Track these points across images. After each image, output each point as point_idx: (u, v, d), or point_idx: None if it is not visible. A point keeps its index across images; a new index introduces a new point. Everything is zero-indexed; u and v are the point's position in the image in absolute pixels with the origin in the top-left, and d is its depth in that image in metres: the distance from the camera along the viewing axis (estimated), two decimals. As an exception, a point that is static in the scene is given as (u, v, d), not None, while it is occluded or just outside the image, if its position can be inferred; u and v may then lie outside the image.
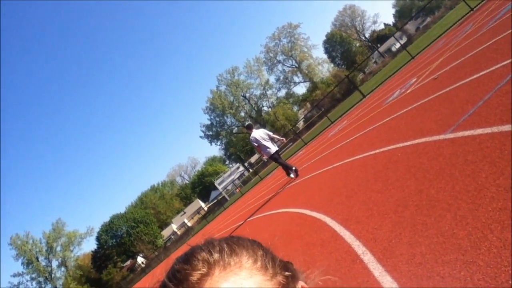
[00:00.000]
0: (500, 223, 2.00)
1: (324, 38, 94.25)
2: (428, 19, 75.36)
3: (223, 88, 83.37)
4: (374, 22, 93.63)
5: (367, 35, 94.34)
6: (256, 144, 10.98)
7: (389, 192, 3.71)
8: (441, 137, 4.06)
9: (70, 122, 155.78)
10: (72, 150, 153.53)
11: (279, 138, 11.75)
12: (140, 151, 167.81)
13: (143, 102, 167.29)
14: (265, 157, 11.55)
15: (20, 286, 75.15)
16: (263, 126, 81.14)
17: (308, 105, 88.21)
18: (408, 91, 9.96)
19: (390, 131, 6.89)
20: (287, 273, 0.62)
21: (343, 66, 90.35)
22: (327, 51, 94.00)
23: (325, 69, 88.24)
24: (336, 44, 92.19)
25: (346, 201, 4.70)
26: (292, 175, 11.02)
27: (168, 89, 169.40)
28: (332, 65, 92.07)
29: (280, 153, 11.76)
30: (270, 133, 11.28)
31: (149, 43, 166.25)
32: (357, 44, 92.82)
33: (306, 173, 10.80)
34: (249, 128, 11.57)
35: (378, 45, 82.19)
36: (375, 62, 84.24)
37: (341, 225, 3.97)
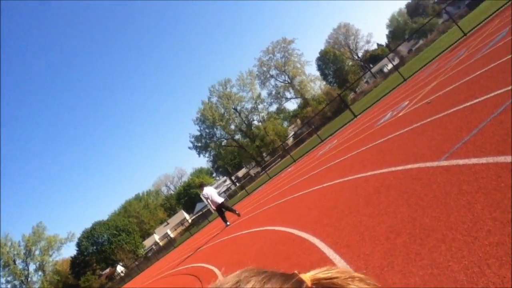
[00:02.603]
0: (498, 258, 1.96)
1: (318, 55, 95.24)
2: (421, 42, 76.69)
3: (214, 99, 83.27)
4: (368, 42, 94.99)
5: (360, 54, 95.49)
6: (206, 197, 14.40)
7: (381, 217, 3.66)
8: (435, 164, 4.04)
9: (58, 122, 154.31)
10: (59, 152, 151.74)
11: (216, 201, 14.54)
12: (127, 158, 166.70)
13: (134, 108, 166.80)
14: (213, 207, 14.48)
15: (-5, 289, 73.46)
16: (253, 140, 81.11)
17: (299, 121, 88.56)
18: (400, 114, 10.01)
19: (382, 153, 6.88)
20: None
21: (335, 84, 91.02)
22: (320, 68, 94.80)
23: (317, 86, 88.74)
24: (329, 62, 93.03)
25: (336, 223, 4.65)
26: (228, 223, 14.39)
27: (160, 96, 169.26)
28: (324, 82, 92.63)
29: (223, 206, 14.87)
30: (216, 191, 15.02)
31: (142, 49, 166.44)
32: (350, 63, 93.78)
33: (295, 191, 10.75)
34: (202, 186, 15.31)
35: (371, 65, 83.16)
36: (367, 82, 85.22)
37: (330, 248, 3.90)
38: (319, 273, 0.57)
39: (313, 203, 7.10)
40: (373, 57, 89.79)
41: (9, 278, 73.66)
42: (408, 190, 3.81)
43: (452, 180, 3.28)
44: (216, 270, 7.80)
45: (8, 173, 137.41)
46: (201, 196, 14.92)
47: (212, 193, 14.45)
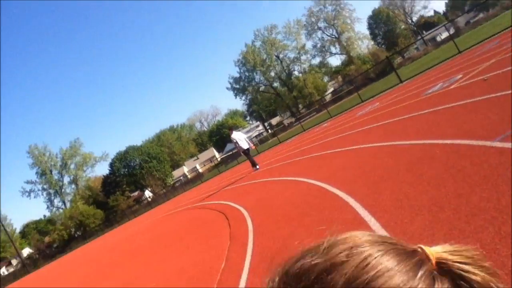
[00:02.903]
0: (549, 249, 1.93)
1: (370, 13, 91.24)
2: (481, 15, 72.03)
3: (258, 44, 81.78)
4: (425, 7, 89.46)
5: (414, 19, 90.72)
6: (234, 141, 15.29)
7: (423, 187, 3.64)
8: (488, 143, 3.92)
9: (106, 46, 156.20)
10: (106, 75, 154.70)
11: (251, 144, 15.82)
12: (166, 89, 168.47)
13: (180, 41, 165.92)
14: (241, 151, 15.48)
15: (31, 193, 78.45)
16: (291, 90, 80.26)
17: (340, 78, 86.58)
18: (452, 87, 9.63)
19: (428, 124, 6.71)
20: None
21: (383, 46, 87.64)
22: (370, 27, 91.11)
23: (364, 45, 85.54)
24: (380, 22, 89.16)
25: (373, 186, 4.65)
26: (253, 168, 15.42)
27: (205, 33, 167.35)
28: (372, 42, 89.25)
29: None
30: (245, 136, 15.81)
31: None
32: (402, 27, 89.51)
33: (330, 147, 10.71)
34: (231, 129, 16.40)
35: (424, 32, 79.20)
36: (417, 48, 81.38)
37: (365, 209, 3.93)
38: (447, 252, 0.49)
39: (349, 163, 7.08)
40: (427, 24, 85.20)
41: (45, 186, 78.44)
42: (456, 166, 3.73)
43: (506, 164, 3.19)
44: (243, 210, 8.03)
45: (57, 88, 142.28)
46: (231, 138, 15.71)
47: (240, 138, 15.21)
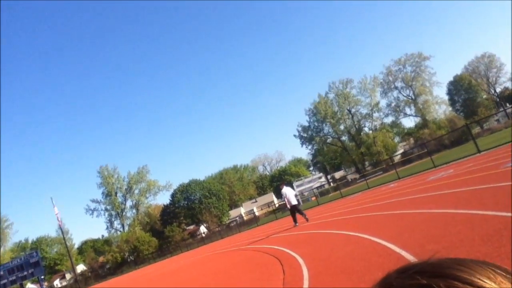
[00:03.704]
0: None
1: (451, 79, 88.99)
2: None
3: (331, 96, 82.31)
4: (511, 79, 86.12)
5: (498, 89, 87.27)
6: (284, 196, 16.12)
7: (500, 261, 3.40)
8: None
9: (184, 83, 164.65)
10: (177, 111, 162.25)
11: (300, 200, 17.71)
12: (234, 128, 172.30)
13: (252, 83, 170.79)
14: (288, 206, 16.28)
15: (95, 212, 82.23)
16: (358, 146, 79.19)
17: (412, 140, 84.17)
18: (537, 162, 9.04)
19: (508, 197, 6.30)
20: None
21: (461, 114, 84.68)
22: (449, 92, 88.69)
23: (441, 110, 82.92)
24: (461, 89, 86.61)
25: (444, 252, 4.41)
26: (305, 218, 15.82)
27: (277, 77, 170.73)
28: (450, 108, 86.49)
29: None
30: (294, 193, 16.64)
31: (267, 24, 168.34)
32: (484, 96, 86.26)
33: (397, 208, 10.35)
34: (282, 183, 17.52)
35: (507, 104, 75.63)
36: (498, 120, 77.69)
37: (434, 275, 3.72)
38: None
39: (417, 226, 6.78)
40: (511, 96, 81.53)
41: (108, 207, 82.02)
42: (540, 243, 3.47)
43: None
44: (299, 257, 7.87)
45: (135, 118, 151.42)
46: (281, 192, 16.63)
47: (289, 194, 16.02)
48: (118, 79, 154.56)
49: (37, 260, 38.77)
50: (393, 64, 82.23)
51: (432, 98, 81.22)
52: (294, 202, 15.95)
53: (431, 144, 57.81)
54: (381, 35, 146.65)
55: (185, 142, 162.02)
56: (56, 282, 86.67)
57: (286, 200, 15.97)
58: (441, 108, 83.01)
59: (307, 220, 15.53)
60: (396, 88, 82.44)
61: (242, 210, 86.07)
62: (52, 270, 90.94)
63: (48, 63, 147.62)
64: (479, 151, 21.05)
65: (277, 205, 60.37)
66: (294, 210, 16.21)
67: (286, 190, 16.11)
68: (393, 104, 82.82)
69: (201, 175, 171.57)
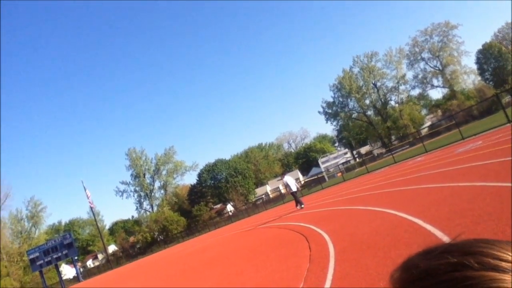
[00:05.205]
0: None
1: (480, 47, 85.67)
2: None
3: (356, 70, 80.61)
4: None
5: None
6: (285, 184, 18.14)
7: (531, 234, 3.30)
8: None
9: (208, 65, 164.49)
10: (201, 92, 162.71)
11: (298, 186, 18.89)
12: (258, 106, 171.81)
13: (276, 61, 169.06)
14: (289, 191, 18.29)
15: (124, 193, 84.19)
16: (385, 120, 77.97)
17: (439, 112, 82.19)
18: None
19: (540, 168, 6.10)
20: None
21: (491, 83, 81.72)
22: (478, 61, 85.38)
23: (470, 80, 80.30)
24: (491, 57, 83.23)
25: (471, 226, 4.32)
26: (298, 207, 17.84)
27: (301, 54, 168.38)
28: (479, 78, 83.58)
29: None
30: (294, 181, 18.01)
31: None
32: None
33: (424, 182, 10.18)
34: (284, 173, 20.71)
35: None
36: (529, 87, 74.87)
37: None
38: None
39: (444, 199, 6.66)
40: (545, 63, 78.03)
41: (137, 188, 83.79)
42: None
43: None
44: (325, 234, 7.88)
45: (162, 100, 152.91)
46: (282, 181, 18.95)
47: (290, 182, 17.67)
48: (145, 62, 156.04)
49: (70, 241, 40.15)
50: (420, 35, 79.82)
51: (461, 68, 78.73)
52: (294, 189, 17.64)
53: (459, 115, 56.41)
54: (407, 5, 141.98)
55: (211, 122, 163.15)
56: (89, 263, 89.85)
57: (287, 188, 17.97)
58: (469, 78, 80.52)
59: (302, 207, 17.22)
60: (423, 59, 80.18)
61: (268, 188, 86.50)
62: (85, 251, 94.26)
63: (78, 42, 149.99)
64: (509, 121, 20.45)
65: (302, 182, 60.31)
66: (296, 195, 18.12)
67: (286, 179, 17.92)
68: (419, 76, 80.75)
69: (226, 155, 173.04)
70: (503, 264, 0.49)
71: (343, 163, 70.72)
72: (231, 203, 75.29)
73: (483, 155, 10.75)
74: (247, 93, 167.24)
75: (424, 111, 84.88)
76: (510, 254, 0.50)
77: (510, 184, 5.72)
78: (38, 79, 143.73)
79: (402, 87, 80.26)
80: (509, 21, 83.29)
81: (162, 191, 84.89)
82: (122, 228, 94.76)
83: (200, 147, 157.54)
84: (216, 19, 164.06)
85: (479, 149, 13.02)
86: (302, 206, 17.58)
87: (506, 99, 68.96)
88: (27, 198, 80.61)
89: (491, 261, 0.49)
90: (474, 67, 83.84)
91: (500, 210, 4.50)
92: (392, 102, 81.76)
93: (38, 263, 39.26)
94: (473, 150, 13.47)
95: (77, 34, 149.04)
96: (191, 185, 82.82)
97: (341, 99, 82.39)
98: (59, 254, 39.43)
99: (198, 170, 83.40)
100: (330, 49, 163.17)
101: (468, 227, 4.34)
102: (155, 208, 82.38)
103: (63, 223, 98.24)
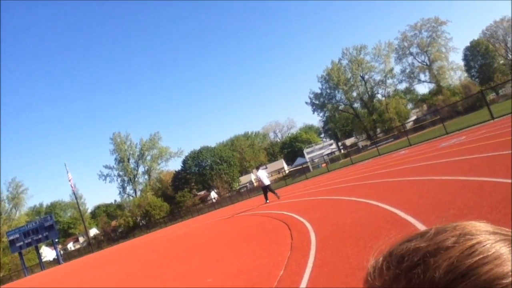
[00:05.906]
0: None
1: (468, 44, 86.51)
2: None
3: (344, 62, 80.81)
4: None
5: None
6: (258, 178, 18.60)
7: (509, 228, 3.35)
8: None
9: (195, 51, 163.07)
10: (188, 78, 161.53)
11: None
12: (245, 95, 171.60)
13: (263, 50, 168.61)
14: (261, 185, 18.44)
15: (107, 177, 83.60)
16: (371, 113, 78.48)
17: (425, 107, 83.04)
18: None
19: (521, 164, 6.20)
20: None
21: (477, 80, 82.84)
22: (465, 58, 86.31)
23: (456, 76, 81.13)
24: (478, 54, 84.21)
25: (452, 218, 4.28)
26: (266, 202, 17.95)
27: (289, 44, 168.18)
28: (465, 74, 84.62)
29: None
30: (266, 175, 18.72)
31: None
32: (501, 62, 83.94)
33: (406, 174, 10.29)
34: (258, 167, 24.03)
35: (524, 69, 73.75)
36: (513, 86, 76.00)
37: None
38: None
39: (426, 192, 6.75)
40: (528, 62, 79.15)
41: (121, 173, 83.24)
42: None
43: None
44: (307, 223, 7.92)
45: (148, 86, 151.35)
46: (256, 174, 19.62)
47: (263, 176, 18.06)
48: (132, 46, 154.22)
49: (51, 223, 39.87)
50: (409, 30, 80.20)
51: (448, 64, 79.46)
52: (267, 182, 18.00)
53: (445, 110, 57.10)
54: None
55: (197, 109, 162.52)
56: (70, 245, 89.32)
57: (260, 182, 18.22)
58: (456, 74, 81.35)
59: (278, 197, 17.26)
60: (411, 54, 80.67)
61: (252, 177, 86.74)
62: (66, 234, 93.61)
63: (62, 32, 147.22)
64: (493, 118, 20.74)
65: (287, 172, 60.58)
66: (267, 189, 18.14)
67: (259, 173, 18.35)
68: (407, 70, 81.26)
69: (212, 142, 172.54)
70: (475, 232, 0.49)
71: (328, 154, 71.23)
72: (215, 190, 75.35)
73: (466, 150, 10.89)
74: (234, 81, 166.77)
75: (410, 105, 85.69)
76: (478, 226, 0.51)
77: (491, 179, 5.80)
78: (23, 59, 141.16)
79: (389, 81, 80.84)
80: (497, 19, 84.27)
81: (146, 177, 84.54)
82: (104, 212, 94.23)
83: (186, 134, 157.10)
84: (202, 8, 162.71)
85: (462, 144, 13.19)
86: (267, 201, 17.84)
87: (490, 96, 70.07)
88: (8, 179, 79.61)
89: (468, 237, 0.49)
90: (461, 63, 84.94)
91: (479, 204, 4.56)
92: (379, 96, 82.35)
93: (18, 244, 38.93)
94: (457, 145, 13.64)
95: (63, 17, 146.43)
96: (175, 171, 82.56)
97: (328, 91, 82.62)
98: (40, 236, 39.14)
99: (183, 157, 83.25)
100: (320, 40, 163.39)
101: (448, 219, 4.38)
102: (138, 193, 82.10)
103: (44, 205, 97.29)
